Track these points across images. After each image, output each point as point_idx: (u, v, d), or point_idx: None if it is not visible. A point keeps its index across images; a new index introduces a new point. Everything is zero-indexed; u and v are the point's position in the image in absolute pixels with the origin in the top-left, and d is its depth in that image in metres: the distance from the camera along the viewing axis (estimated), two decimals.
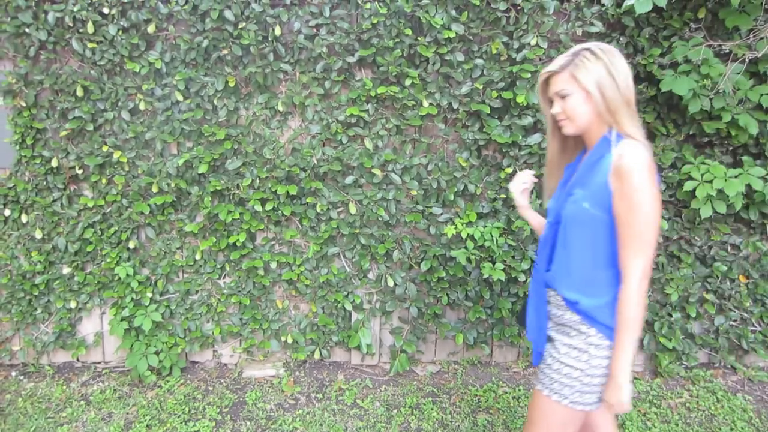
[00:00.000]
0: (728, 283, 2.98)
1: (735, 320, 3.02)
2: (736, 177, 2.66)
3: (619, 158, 1.42)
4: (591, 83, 1.48)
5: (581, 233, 1.51)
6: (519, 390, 2.88)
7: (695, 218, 2.88)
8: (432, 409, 2.74)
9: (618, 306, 1.46)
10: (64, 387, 2.90)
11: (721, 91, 2.54)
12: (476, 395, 2.86)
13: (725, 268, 2.92)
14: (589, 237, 1.50)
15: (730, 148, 2.84)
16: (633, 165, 1.38)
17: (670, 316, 2.99)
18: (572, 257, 1.54)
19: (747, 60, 2.55)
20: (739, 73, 2.56)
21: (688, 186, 2.70)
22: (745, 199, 2.79)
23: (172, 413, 2.68)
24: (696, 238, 2.93)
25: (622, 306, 1.44)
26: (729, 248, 2.96)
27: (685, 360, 3.03)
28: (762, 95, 2.58)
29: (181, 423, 2.60)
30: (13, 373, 3.02)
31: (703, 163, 2.74)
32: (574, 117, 1.54)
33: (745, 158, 2.74)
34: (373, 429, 2.60)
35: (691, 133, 2.79)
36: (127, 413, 2.70)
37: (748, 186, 2.67)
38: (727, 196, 2.65)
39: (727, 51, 2.64)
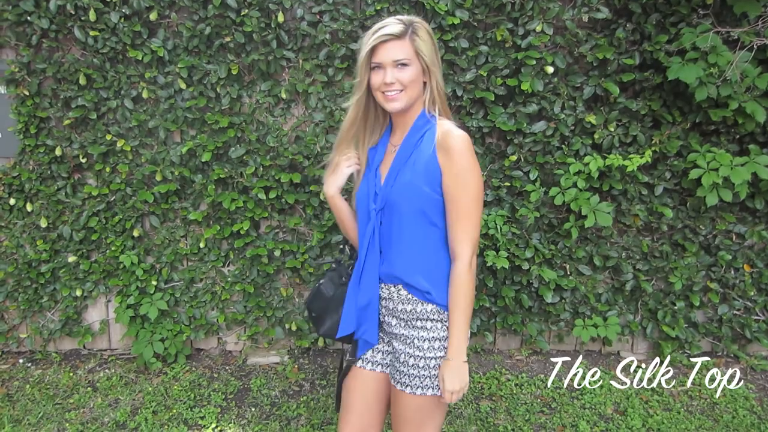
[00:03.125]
0: (732, 272, 2.97)
1: (739, 309, 3.02)
2: (742, 165, 2.64)
3: (445, 135, 1.41)
4: (429, 59, 1.43)
5: (418, 217, 1.43)
6: (522, 377, 2.90)
7: (700, 207, 2.87)
8: None
9: (452, 287, 1.42)
10: (71, 374, 2.94)
11: (728, 78, 2.51)
12: (479, 382, 2.87)
13: (730, 257, 2.91)
14: (426, 219, 1.44)
15: (737, 136, 2.81)
16: (460, 142, 1.39)
17: (674, 304, 2.99)
18: (414, 244, 1.45)
19: (755, 47, 2.51)
20: (746, 61, 2.53)
21: (694, 174, 2.68)
22: (751, 188, 2.78)
23: (177, 399, 2.71)
24: (701, 226, 2.92)
25: (457, 287, 1.41)
26: (734, 237, 2.95)
27: (687, 348, 3.03)
28: None
29: (187, 409, 2.63)
30: (21, 360, 3.06)
31: (709, 151, 2.72)
32: (411, 90, 1.44)
33: (751, 146, 2.72)
34: None
35: (697, 120, 2.76)
36: (134, 399, 2.73)
37: (755, 174, 2.65)
38: (733, 185, 2.64)
39: (735, 38, 2.61)
